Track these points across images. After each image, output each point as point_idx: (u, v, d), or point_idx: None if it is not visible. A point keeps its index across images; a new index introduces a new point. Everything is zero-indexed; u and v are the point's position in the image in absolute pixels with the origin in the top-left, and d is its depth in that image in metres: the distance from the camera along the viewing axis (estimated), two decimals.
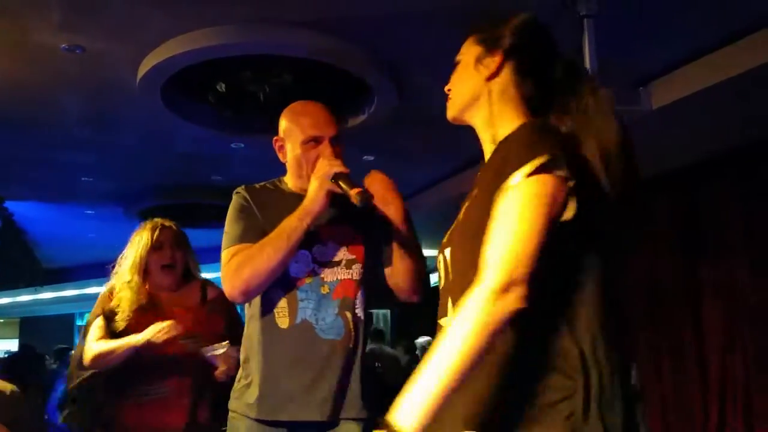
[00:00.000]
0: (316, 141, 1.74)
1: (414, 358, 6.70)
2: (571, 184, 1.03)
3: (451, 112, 1.30)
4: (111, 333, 2.21)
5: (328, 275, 1.70)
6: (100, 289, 9.66)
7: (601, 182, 1.09)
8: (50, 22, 2.90)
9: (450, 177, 5.37)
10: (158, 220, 2.44)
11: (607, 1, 2.83)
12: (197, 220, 5.75)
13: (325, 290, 1.69)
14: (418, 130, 4.40)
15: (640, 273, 4.63)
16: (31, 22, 2.90)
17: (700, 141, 4.00)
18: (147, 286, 2.29)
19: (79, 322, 12.98)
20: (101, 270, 8.71)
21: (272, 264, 1.60)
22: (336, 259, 1.71)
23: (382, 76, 3.41)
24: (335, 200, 1.66)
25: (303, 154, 1.74)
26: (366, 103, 3.84)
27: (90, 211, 6.27)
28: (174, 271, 2.33)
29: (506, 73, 1.23)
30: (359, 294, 1.73)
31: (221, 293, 1.88)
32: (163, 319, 2.14)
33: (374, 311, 10.27)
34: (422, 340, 6.58)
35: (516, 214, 1.00)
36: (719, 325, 4.16)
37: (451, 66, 1.40)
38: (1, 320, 14.65)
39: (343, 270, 1.71)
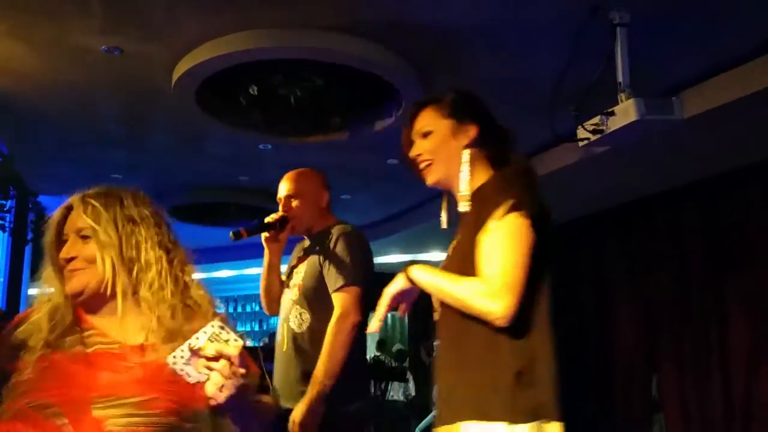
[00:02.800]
0: (279, 201, 2.49)
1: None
2: (529, 220, 1.35)
3: (434, 177, 1.55)
4: None
5: (285, 297, 2.38)
6: None
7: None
8: (91, 25, 2.98)
9: None
10: None
11: (639, 10, 2.83)
12: (224, 219, 5.84)
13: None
14: None
15: (666, 285, 4.60)
16: (73, 23, 2.99)
17: (729, 151, 3.96)
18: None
19: None
20: None
21: (261, 291, 2.48)
22: (292, 284, 2.35)
23: (409, 79, 3.45)
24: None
25: None
26: (394, 106, 3.88)
27: None
28: None
29: (477, 140, 1.53)
30: (292, 311, 2.29)
31: None
32: None
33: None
34: None
35: (499, 245, 1.32)
36: (746, 341, 4.10)
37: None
38: None
39: (290, 292, 2.35)
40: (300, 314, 2.25)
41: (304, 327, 2.22)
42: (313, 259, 2.30)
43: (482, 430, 1.25)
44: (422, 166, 1.54)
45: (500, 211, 1.33)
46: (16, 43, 3.16)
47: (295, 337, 2.24)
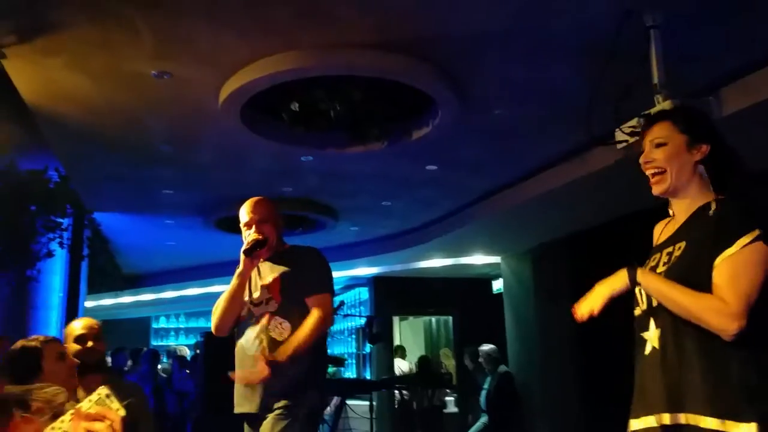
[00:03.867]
0: (247, 225, 2.54)
1: (478, 366, 6.70)
2: None
3: (664, 187, 1.66)
4: None
5: (256, 311, 2.48)
6: (174, 294, 9.95)
7: None
8: (142, 51, 3.15)
9: (510, 186, 5.42)
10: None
11: (673, 12, 2.84)
12: None
13: (252, 321, 2.47)
14: (479, 140, 4.48)
15: None
16: (124, 51, 3.16)
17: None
18: None
19: (155, 325, 13.63)
20: (177, 275, 9.06)
21: (220, 308, 2.50)
22: (263, 298, 2.48)
23: (446, 90, 3.52)
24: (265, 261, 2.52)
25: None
26: (430, 115, 3.96)
27: (169, 221, 6.63)
28: None
29: (706, 158, 1.63)
30: (272, 322, 2.42)
31: None
32: None
33: (433, 317, 10.35)
34: (486, 347, 6.59)
35: (746, 271, 1.46)
36: None
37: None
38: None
39: (264, 306, 2.46)
40: (281, 324, 2.39)
41: (286, 335, 2.37)
42: (289, 273, 2.46)
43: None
44: (651, 173, 1.68)
45: (747, 238, 1.47)
46: (73, 73, 3.36)
47: (278, 346, 2.35)
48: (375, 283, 9.18)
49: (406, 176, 5.14)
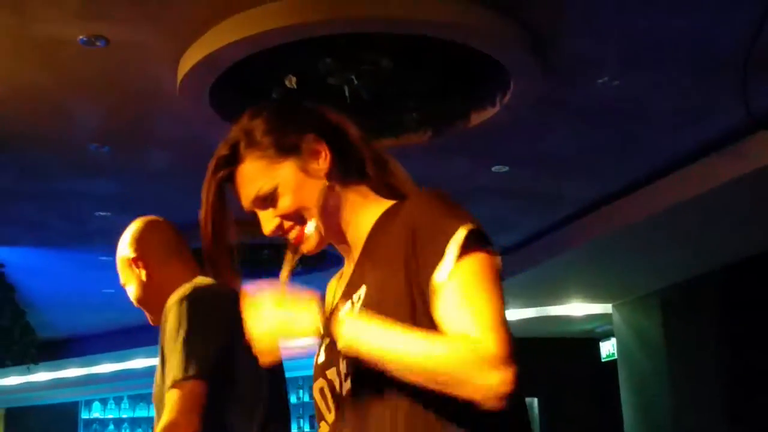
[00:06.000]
0: None
1: None
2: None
3: (312, 243, 1.58)
4: None
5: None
6: (113, 367, 10.16)
7: None
8: (63, 10, 3.25)
9: (624, 195, 5.41)
10: None
11: None
12: (254, 267, 6.05)
13: None
14: (573, 126, 4.49)
15: None
16: (39, 10, 3.26)
17: None
18: None
19: (84, 415, 13.80)
20: (118, 339, 9.23)
21: None
22: None
23: (522, 50, 3.54)
24: None
25: None
26: (497, 90, 3.98)
27: (106, 258, 6.73)
28: None
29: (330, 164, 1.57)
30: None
31: None
32: None
33: None
34: None
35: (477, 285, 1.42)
36: None
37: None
38: None
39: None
40: None
41: None
42: None
43: None
44: (281, 234, 1.63)
45: (460, 233, 1.47)
46: None
47: None
48: None
49: (460, 182, 5.16)
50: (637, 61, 3.80)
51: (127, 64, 3.68)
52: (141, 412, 13.47)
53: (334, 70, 3.66)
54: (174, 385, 2.22)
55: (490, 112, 4.09)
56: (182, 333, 2.26)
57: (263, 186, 1.54)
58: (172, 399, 2.23)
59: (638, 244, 5.98)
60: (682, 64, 3.80)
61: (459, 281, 1.39)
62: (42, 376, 11.00)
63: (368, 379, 1.44)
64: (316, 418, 1.62)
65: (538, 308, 8.00)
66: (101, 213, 5.66)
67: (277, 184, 1.54)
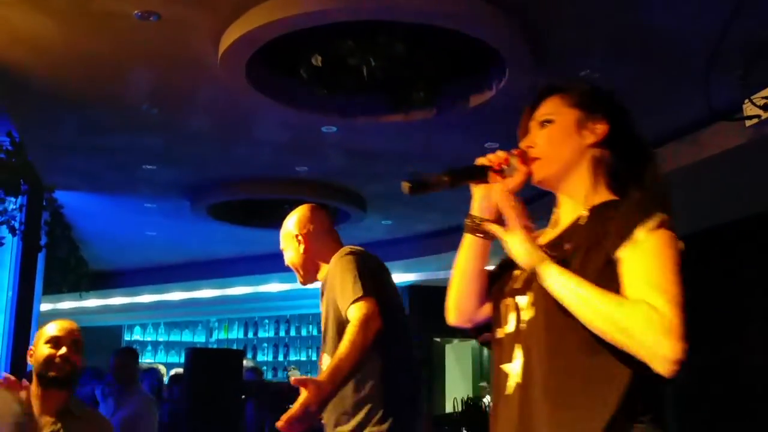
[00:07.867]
0: None
1: None
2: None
3: (543, 174, 1.60)
4: None
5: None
6: (152, 298, 10.14)
7: None
8: None
9: None
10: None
11: None
12: (276, 220, 6.06)
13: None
14: None
15: None
16: None
17: None
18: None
19: (127, 337, 13.94)
20: (157, 275, 9.21)
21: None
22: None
23: (516, 40, 3.53)
24: None
25: None
26: (494, 75, 3.96)
27: (150, 205, 6.75)
28: None
29: (605, 142, 1.58)
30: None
31: None
32: None
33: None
34: None
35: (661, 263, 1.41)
36: None
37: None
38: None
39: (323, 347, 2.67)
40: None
41: None
42: (327, 305, 2.61)
43: None
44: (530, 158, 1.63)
45: (653, 222, 1.47)
46: (32, 11, 3.44)
47: None
48: (412, 293, 9.18)
49: (458, 155, 5.10)
50: (612, 56, 3.76)
51: (176, 37, 3.66)
52: (175, 337, 13.60)
53: (355, 52, 3.65)
54: (354, 301, 2.33)
55: (487, 95, 4.08)
56: (353, 271, 2.40)
57: (548, 114, 1.62)
58: (356, 311, 2.33)
59: None
60: (647, 60, 3.77)
61: (649, 251, 1.40)
62: (92, 302, 11.08)
63: (551, 314, 1.45)
64: (492, 326, 1.66)
65: None
66: (148, 166, 5.66)
67: (555, 119, 1.60)
